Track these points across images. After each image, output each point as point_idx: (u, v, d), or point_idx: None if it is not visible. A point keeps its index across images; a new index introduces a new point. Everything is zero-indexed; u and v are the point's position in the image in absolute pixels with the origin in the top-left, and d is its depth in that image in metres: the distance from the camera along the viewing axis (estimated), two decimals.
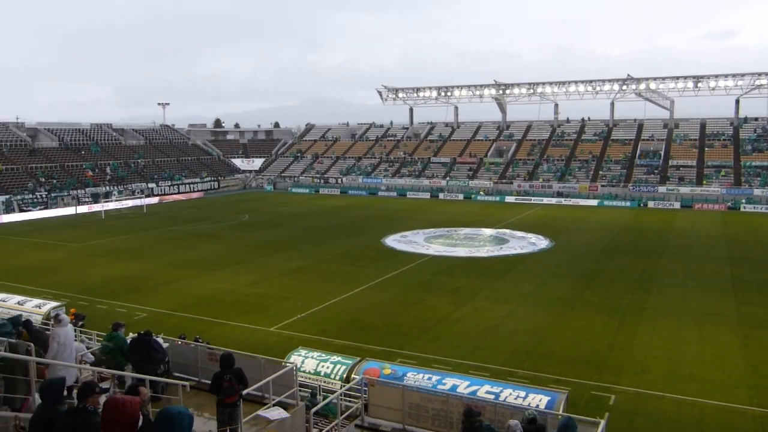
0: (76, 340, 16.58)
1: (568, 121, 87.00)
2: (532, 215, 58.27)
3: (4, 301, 23.95)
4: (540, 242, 42.99)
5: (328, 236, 45.96)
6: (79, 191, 67.65)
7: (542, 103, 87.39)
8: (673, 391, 18.18)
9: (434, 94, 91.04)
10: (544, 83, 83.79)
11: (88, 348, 14.63)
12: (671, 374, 19.50)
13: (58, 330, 10.46)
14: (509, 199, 70.98)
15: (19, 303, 23.57)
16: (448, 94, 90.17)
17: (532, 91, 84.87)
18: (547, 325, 24.60)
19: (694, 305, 27.19)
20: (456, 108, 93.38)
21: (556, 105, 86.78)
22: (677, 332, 23.56)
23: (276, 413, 10.17)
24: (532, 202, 69.04)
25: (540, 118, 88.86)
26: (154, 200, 71.65)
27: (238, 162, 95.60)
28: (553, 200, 68.88)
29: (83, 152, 78.43)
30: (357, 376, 14.71)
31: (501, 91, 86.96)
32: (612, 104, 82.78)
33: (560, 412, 12.21)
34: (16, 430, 6.31)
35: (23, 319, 12.33)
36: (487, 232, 47.94)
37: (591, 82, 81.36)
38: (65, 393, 6.45)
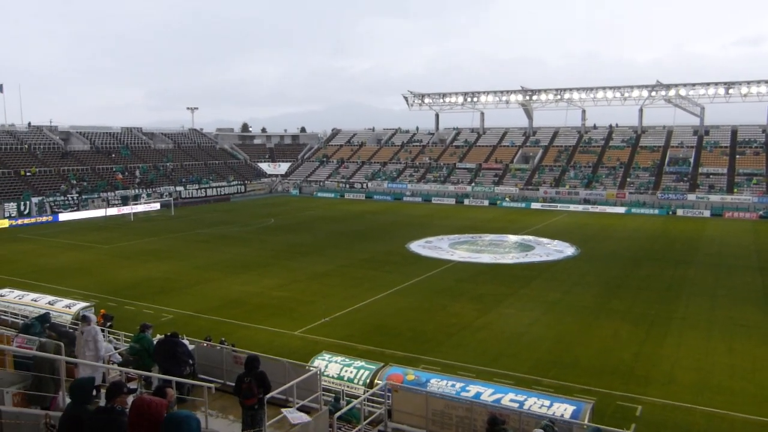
0: (105, 340, 16.86)
1: (595, 127, 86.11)
2: (558, 222, 57.73)
3: (35, 300, 24.45)
4: (566, 249, 42.56)
5: (352, 241, 46.07)
6: (108, 194, 68.84)
7: (569, 109, 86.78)
8: (701, 404, 17.82)
9: (460, 99, 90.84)
10: (571, 89, 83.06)
11: (115, 349, 14.86)
12: (700, 386, 19.12)
13: (85, 328, 10.64)
14: (535, 205, 70.44)
15: (49, 303, 24.04)
16: (474, 99, 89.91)
17: (559, 97, 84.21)
18: (572, 333, 24.32)
19: (724, 315, 26.65)
20: (482, 114, 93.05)
21: (584, 111, 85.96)
22: (706, 343, 23.12)
23: (297, 416, 10.20)
24: (559, 209, 68.40)
25: (567, 124, 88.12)
26: (182, 203, 72.51)
27: (264, 166, 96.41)
28: (580, 207, 68.16)
29: (113, 155, 79.80)
30: (380, 382, 14.69)
31: (528, 97, 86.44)
32: (641, 110, 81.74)
33: (586, 422, 12.05)
34: (46, 428, 6.43)
35: (48, 322, 12.56)
36: (513, 238, 47.61)
37: (619, 88, 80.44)
38: (94, 393, 6.55)
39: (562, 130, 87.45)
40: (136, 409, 4.97)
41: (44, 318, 12.47)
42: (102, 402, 6.50)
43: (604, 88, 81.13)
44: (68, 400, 7.69)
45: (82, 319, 11.41)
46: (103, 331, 20.16)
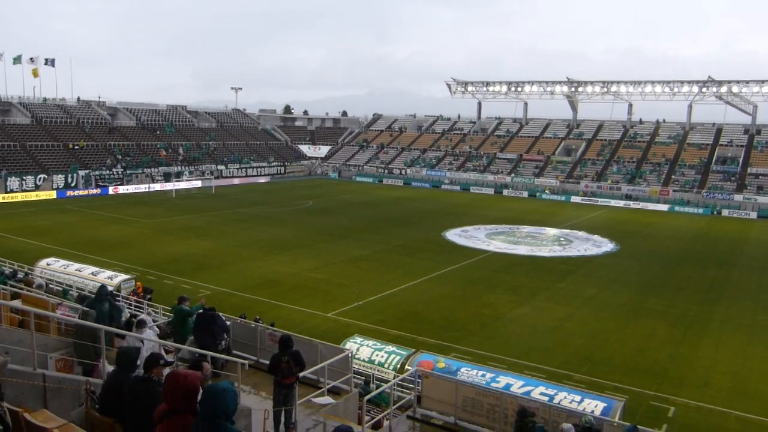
0: (143, 312, 17.30)
1: (641, 122, 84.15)
2: (598, 217, 56.82)
3: (79, 271, 25.23)
4: (605, 245, 41.91)
5: (389, 226, 46.17)
6: (152, 170, 70.32)
7: (615, 102, 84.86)
8: (737, 408, 17.42)
9: (504, 89, 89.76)
10: (618, 82, 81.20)
11: (154, 321, 15.25)
12: (736, 390, 18.69)
13: (137, 335, 10.64)
14: (575, 199, 69.41)
15: (92, 274, 24.79)
16: (518, 89, 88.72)
17: (605, 89, 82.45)
18: (607, 330, 24.02)
19: (766, 320, 25.93)
20: (525, 104, 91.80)
21: (630, 105, 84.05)
22: (745, 347, 22.55)
23: (323, 400, 10.33)
24: (599, 203, 67.26)
25: (612, 118, 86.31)
26: (223, 182, 73.61)
27: (304, 148, 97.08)
28: (621, 203, 66.89)
29: (158, 132, 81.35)
30: (411, 368, 14.76)
31: (573, 89, 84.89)
32: (690, 107, 79.49)
33: (616, 419, 11.91)
34: (87, 393, 6.67)
35: (107, 291, 12.86)
36: (551, 231, 47.08)
37: (668, 83, 78.31)
38: (138, 362, 6.78)
39: (606, 123, 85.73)
40: (171, 382, 5.10)
41: (104, 290, 12.74)
42: (140, 372, 6.70)
43: (652, 83, 79.11)
44: (110, 368, 7.94)
45: (136, 324, 11.51)
46: (141, 302, 20.69)
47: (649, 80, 79.44)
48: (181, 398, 5.03)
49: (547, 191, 72.32)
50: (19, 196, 56.15)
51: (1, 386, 6.03)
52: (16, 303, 11.59)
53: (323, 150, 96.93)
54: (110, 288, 22.03)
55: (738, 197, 63.70)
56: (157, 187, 66.67)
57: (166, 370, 7.00)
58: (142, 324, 11.32)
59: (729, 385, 19.13)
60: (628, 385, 18.56)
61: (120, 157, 70.54)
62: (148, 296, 22.52)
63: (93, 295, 13.77)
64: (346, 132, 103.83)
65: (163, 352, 9.72)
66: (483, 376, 14.59)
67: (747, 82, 73.50)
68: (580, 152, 79.84)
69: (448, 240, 41.67)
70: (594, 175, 73.24)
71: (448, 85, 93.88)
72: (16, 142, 64.92)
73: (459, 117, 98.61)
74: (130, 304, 20.61)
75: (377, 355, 16.64)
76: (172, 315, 14.45)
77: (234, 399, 4.81)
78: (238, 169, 79.78)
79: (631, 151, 77.15)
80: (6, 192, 56.11)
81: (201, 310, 12.58)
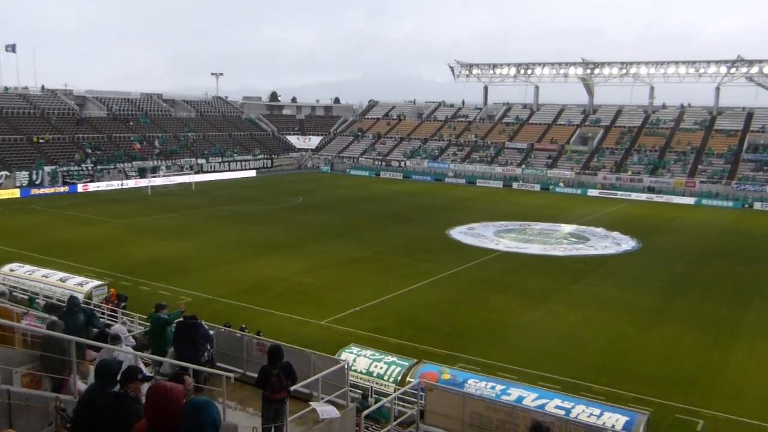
0: (117, 322, 17.31)
1: (664, 106, 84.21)
2: (617, 212, 56.89)
3: (46, 277, 25.20)
4: (625, 242, 41.97)
5: (387, 224, 46.19)
6: (125, 165, 70.22)
7: (635, 85, 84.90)
8: None
9: (512, 71, 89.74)
10: (638, 63, 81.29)
11: (129, 331, 15.24)
12: None
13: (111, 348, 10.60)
14: (592, 192, 69.48)
15: (61, 280, 24.77)
16: (529, 72, 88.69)
17: (624, 71, 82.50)
18: (629, 336, 24.07)
19: None
20: (536, 88, 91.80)
21: (652, 88, 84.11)
22: None
23: (328, 410, 10.32)
24: (619, 197, 67.34)
25: (632, 103, 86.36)
26: (204, 177, 73.48)
27: (293, 139, 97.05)
28: (643, 196, 66.97)
29: (131, 123, 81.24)
30: (413, 380, 14.79)
31: (589, 71, 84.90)
32: (717, 89, 79.53)
33: None
34: (56, 411, 6.66)
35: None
36: (566, 228, 47.13)
37: (693, 63, 78.37)
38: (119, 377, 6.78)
39: (626, 108, 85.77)
40: (154, 396, 5.10)
41: (74, 301, 12.70)
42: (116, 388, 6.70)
43: (676, 63, 79.16)
44: (81, 384, 7.94)
45: (111, 340, 11.47)
46: (114, 311, 20.70)
47: (672, 60, 79.50)
48: (165, 413, 5.03)
49: (561, 184, 72.38)
50: None
51: None
52: None
53: (314, 141, 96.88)
54: (80, 295, 22.00)
55: None
56: (131, 183, 66.58)
57: (145, 386, 7.01)
58: (116, 340, 11.31)
59: (764, 395, 19.16)
60: (652, 397, 18.59)
61: (90, 151, 70.42)
62: (123, 304, 22.53)
63: (62, 304, 13.76)
64: (338, 121, 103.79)
65: (142, 366, 9.73)
66: (492, 388, 14.62)
67: None
68: (597, 141, 79.90)
69: (452, 238, 41.70)
70: (612, 166, 73.32)
71: (451, 68, 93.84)
72: None
73: (463, 103, 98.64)
74: (103, 313, 20.60)
75: (376, 366, 16.67)
76: (149, 324, 14.45)
77: (217, 414, 4.83)
78: (220, 163, 79.71)
79: (653, 139, 77.24)
80: None
81: (181, 319, 12.58)
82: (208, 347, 12.32)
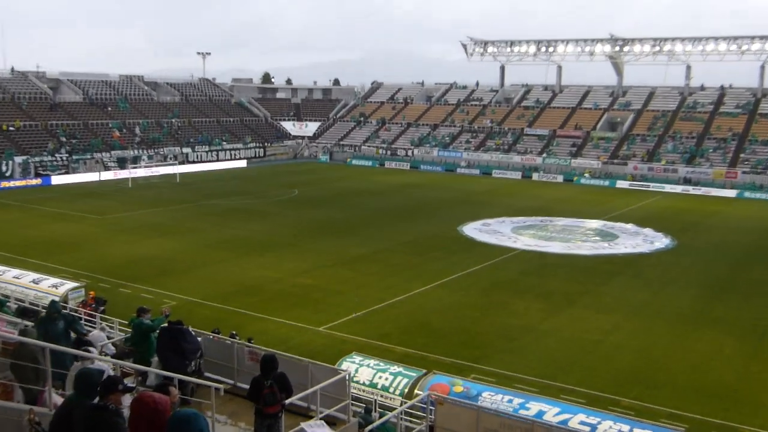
0: (95, 328, 17.43)
1: (702, 88, 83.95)
2: (649, 206, 56.81)
3: (18, 278, 25.34)
4: (658, 240, 41.93)
5: (393, 220, 46.25)
6: (104, 154, 70.42)
7: (670, 64, 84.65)
8: None
9: (532, 49, 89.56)
10: (673, 39, 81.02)
11: (108, 338, 15.34)
12: None
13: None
14: (621, 184, 69.37)
15: (34, 282, 24.90)
16: (550, 50, 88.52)
17: (657, 48, 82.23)
18: (662, 344, 24.07)
19: None
20: (559, 68, 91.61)
21: (688, 67, 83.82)
22: None
23: (317, 428, 10.38)
24: (651, 189, 67.20)
25: (666, 84, 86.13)
26: (189, 168, 73.58)
27: (288, 126, 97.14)
28: (678, 188, 66.83)
29: (110, 108, 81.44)
30: (421, 392, 14.85)
31: (618, 48, 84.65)
32: (762, 68, 79.20)
33: None
34: (30, 424, 6.75)
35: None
36: (591, 224, 47.11)
37: (735, 39, 78.09)
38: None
39: (659, 90, 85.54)
40: (139, 407, 5.18)
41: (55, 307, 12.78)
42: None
43: (715, 39, 78.88)
44: (57, 396, 8.03)
45: (82, 346, 11.50)
46: (92, 316, 20.81)
47: (711, 36, 79.20)
48: (152, 426, 5.11)
49: (586, 174, 72.28)
50: None
51: None
52: None
53: (311, 127, 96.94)
54: (56, 298, 22.15)
55: None
56: (109, 175, 66.76)
57: (127, 397, 7.08)
58: (86, 346, 11.37)
59: None
60: (688, 412, 18.61)
61: (64, 139, 70.63)
62: (101, 308, 22.62)
63: (35, 308, 13.86)
64: (338, 105, 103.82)
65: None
66: (510, 401, 14.68)
67: None
68: (626, 126, 79.74)
69: (465, 236, 41.73)
70: (644, 155, 73.18)
71: (464, 46, 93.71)
72: None
73: (477, 85, 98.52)
74: (80, 319, 20.70)
75: (380, 378, 16.74)
76: (130, 331, 14.54)
77: (206, 427, 4.89)
78: (207, 152, 79.87)
79: (690, 125, 77.04)
80: None
81: (165, 324, 12.65)
82: (196, 356, 12.39)
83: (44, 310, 17.75)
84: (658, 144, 75.06)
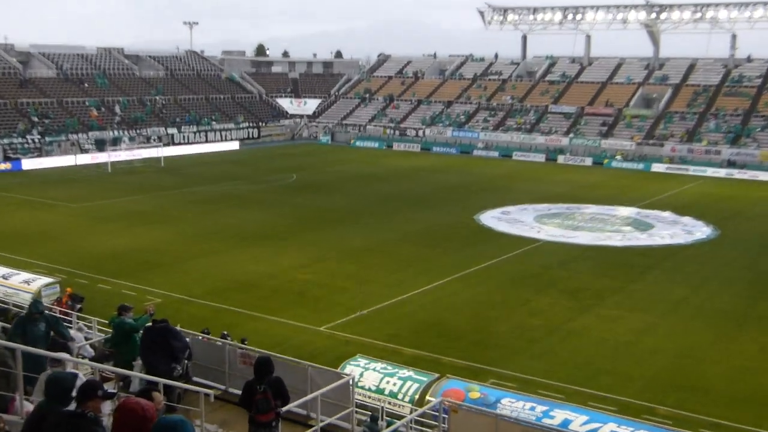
0: (72, 328, 17.52)
1: (749, 60, 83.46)
2: (689, 192, 56.64)
3: None
4: (698, 230, 41.80)
5: (402, 208, 46.24)
6: (80, 135, 70.48)
7: (712, 32, 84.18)
8: None
9: (558, 16, 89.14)
10: (716, 4, 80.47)
11: (87, 339, 15.41)
12: None
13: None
14: (657, 167, 69.14)
15: (3, 277, 25.00)
16: (578, 17, 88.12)
17: (699, 14, 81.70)
18: (703, 346, 24.02)
19: None
20: (588, 37, 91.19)
21: (734, 36, 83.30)
22: None
23: None
24: (691, 173, 66.95)
25: (708, 55, 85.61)
26: (175, 151, 73.60)
27: (285, 103, 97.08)
28: (722, 172, 66.53)
29: (87, 85, 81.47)
30: (433, 399, 14.88)
31: (654, 15, 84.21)
32: None
33: None
34: None
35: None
36: (624, 212, 47.00)
37: None
38: (73, 393, 6.84)
39: (700, 62, 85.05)
40: (125, 414, 5.19)
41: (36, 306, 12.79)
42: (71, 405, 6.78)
43: (764, 4, 78.31)
44: (28, 404, 8.07)
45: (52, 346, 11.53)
46: (68, 315, 20.90)
47: (760, 0, 78.62)
48: None
49: (618, 157, 72.06)
50: None
51: None
52: None
53: (311, 105, 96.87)
54: (27, 295, 22.28)
55: None
56: (86, 159, 66.79)
57: (107, 404, 7.10)
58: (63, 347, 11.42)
59: None
60: (732, 421, 18.59)
61: (36, 119, 70.76)
62: (78, 306, 22.72)
63: (4, 305, 13.90)
64: (341, 80, 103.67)
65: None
66: (532, 409, 14.69)
67: None
68: (663, 103, 79.39)
69: (483, 225, 41.70)
70: (683, 135, 72.89)
71: (481, 13, 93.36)
72: None
73: (496, 57, 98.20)
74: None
75: (388, 383, 16.77)
76: (110, 331, 14.59)
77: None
78: (195, 133, 79.91)
79: (735, 101, 76.68)
80: None
81: (150, 324, 12.69)
82: (183, 356, 12.42)
83: (14, 309, 17.88)
84: (698, 122, 74.70)
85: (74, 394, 6.82)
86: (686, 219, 44.70)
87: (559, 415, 14.31)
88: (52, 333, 12.36)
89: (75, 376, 7.44)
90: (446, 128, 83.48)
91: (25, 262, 30.59)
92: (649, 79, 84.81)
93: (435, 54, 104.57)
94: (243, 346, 14.95)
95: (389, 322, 25.55)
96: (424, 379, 16.86)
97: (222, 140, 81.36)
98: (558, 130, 78.72)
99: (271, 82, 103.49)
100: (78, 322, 19.67)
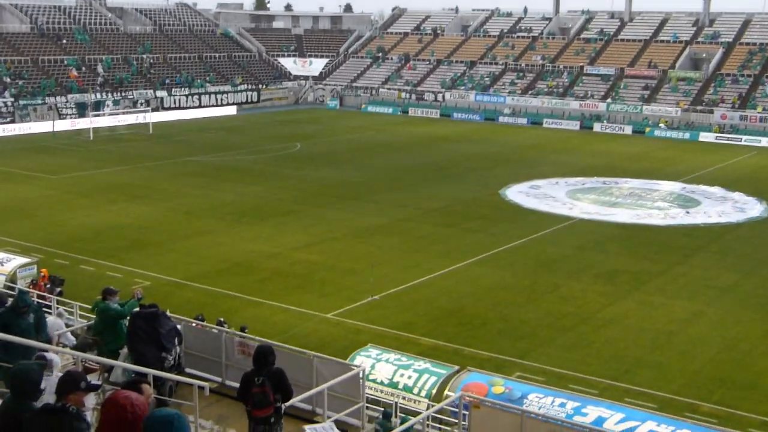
0: (51, 314, 17.65)
1: None
2: (741, 164, 56.37)
3: None
4: (752, 207, 41.60)
5: (418, 182, 46.22)
6: (58, 99, 70.51)
7: None
8: None
9: None
10: None
11: (67, 326, 15.51)
12: None
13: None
14: (706, 137, 68.76)
15: None
16: None
17: None
18: (753, 337, 23.99)
19: None
20: None
21: None
22: None
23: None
24: (743, 143, 66.59)
25: (765, 9, 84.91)
26: (165, 116, 73.66)
27: (288, 63, 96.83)
28: None
29: (65, 42, 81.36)
30: (453, 393, 14.93)
31: None
32: None
33: None
34: None
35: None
36: (667, 186, 46.84)
37: None
38: (42, 386, 6.85)
39: (756, 18, 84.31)
40: (114, 409, 5.23)
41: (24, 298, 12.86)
42: (50, 399, 6.83)
43: None
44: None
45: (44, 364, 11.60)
46: (46, 299, 21.05)
47: None
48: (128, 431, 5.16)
49: (661, 125, 71.73)
50: None
51: None
52: None
53: (317, 65, 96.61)
54: (1, 277, 22.43)
55: None
56: (65, 125, 66.88)
57: (90, 397, 7.14)
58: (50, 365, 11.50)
59: None
60: None
61: (9, 80, 70.85)
62: (58, 289, 22.79)
63: None
64: (350, 37, 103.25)
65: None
66: (562, 405, 14.73)
67: None
68: (713, 64, 78.81)
69: (509, 201, 41.67)
70: (735, 100, 72.43)
71: None
72: None
73: (525, 11, 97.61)
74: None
75: (402, 376, 16.83)
76: (94, 317, 14.68)
77: (188, 429, 4.94)
78: (187, 96, 79.91)
79: None
80: None
81: (137, 309, 12.74)
82: (174, 344, 12.46)
83: None
84: (753, 86, 74.20)
85: (43, 386, 6.82)
86: (737, 195, 44.47)
87: (592, 412, 14.34)
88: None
89: (41, 365, 7.43)
90: (468, 92, 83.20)
91: None
92: (697, 37, 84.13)
93: (456, 8, 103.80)
94: (242, 334, 15.02)
95: (404, 309, 25.60)
96: (443, 371, 16.90)
97: (217, 104, 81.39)
98: (594, 95, 78.33)
99: (272, 39, 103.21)
100: (58, 308, 19.80)
